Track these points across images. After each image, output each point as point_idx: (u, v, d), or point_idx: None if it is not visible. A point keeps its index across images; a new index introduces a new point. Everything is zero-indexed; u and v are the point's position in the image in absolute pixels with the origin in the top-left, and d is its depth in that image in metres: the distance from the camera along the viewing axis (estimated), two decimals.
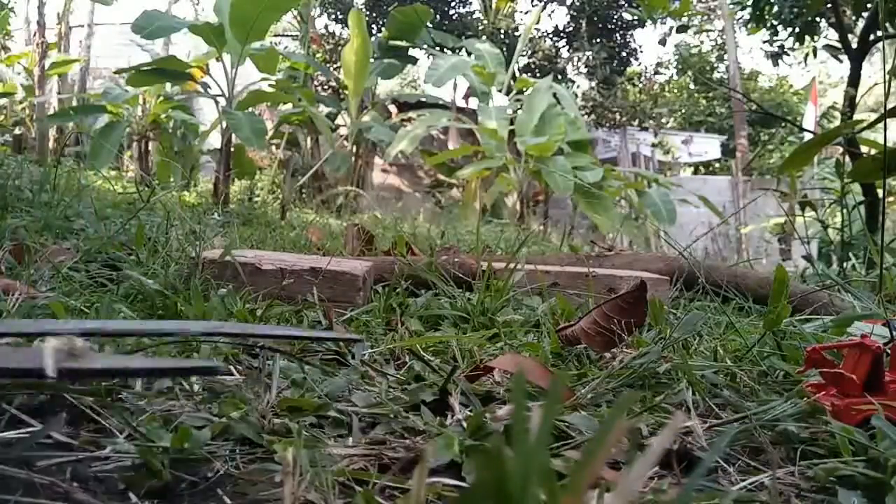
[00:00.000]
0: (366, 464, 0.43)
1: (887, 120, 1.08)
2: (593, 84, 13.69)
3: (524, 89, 8.10)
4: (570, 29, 14.43)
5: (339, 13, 12.43)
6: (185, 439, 0.42)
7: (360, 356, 0.70)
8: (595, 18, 14.10)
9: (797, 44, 5.89)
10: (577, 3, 14.14)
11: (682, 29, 13.28)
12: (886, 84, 1.06)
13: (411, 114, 8.81)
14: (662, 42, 16.56)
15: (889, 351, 0.51)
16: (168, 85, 6.42)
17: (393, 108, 9.69)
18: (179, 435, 0.42)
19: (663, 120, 13.88)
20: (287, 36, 11.14)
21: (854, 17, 3.54)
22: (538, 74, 11.63)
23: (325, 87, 10.24)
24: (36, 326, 0.56)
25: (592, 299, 1.06)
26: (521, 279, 1.13)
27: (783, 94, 15.69)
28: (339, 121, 8.86)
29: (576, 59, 14.09)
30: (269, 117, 7.66)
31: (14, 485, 0.38)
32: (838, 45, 3.44)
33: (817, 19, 5.34)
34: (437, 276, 1.18)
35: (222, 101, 5.43)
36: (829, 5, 3.20)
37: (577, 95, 11.88)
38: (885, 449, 0.42)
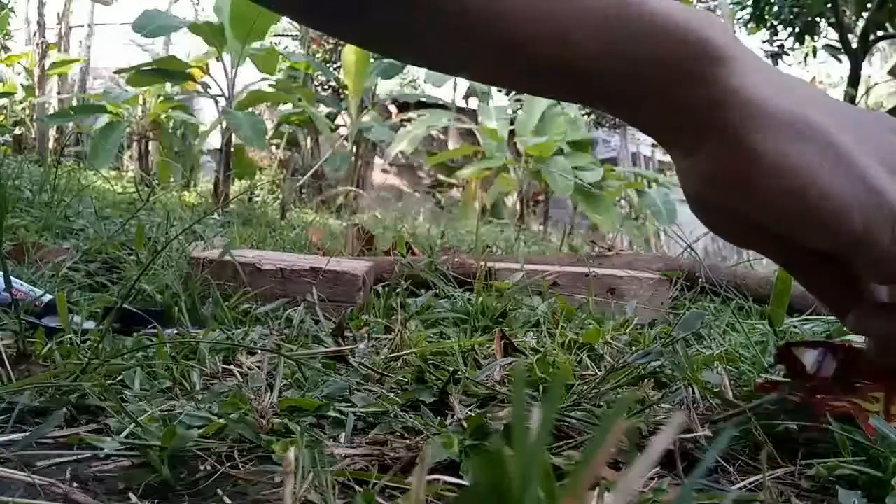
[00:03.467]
0: (366, 464, 0.43)
1: None
2: None
3: None
4: None
5: None
6: (173, 436, 0.42)
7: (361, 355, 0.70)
8: None
9: (797, 44, 5.89)
10: None
11: None
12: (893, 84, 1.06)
13: (411, 114, 8.81)
14: None
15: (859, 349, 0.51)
16: (168, 85, 6.42)
17: (393, 108, 9.70)
18: (167, 432, 0.42)
19: None
20: (287, 36, 11.14)
21: (854, 17, 3.54)
22: None
23: (325, 87, 10.24)
24: None
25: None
26: (520, 279, 1.13)
27: None
28: (339, 121, 8.86)
29: None
30: (269, 117, 7.66)
31: (13, 485, 0.38)
32: (838, 45, 3.44)
33: (817, 19, 5.34)
34: (437, 277, 1.18)
35: (222, 101, 5.43)
36: (829, 5, 3.20)
37: None
38: (885, 449, 0.42)
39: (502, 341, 0.72)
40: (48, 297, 0.83)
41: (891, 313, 0.42)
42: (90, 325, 0.77)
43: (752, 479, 0.42)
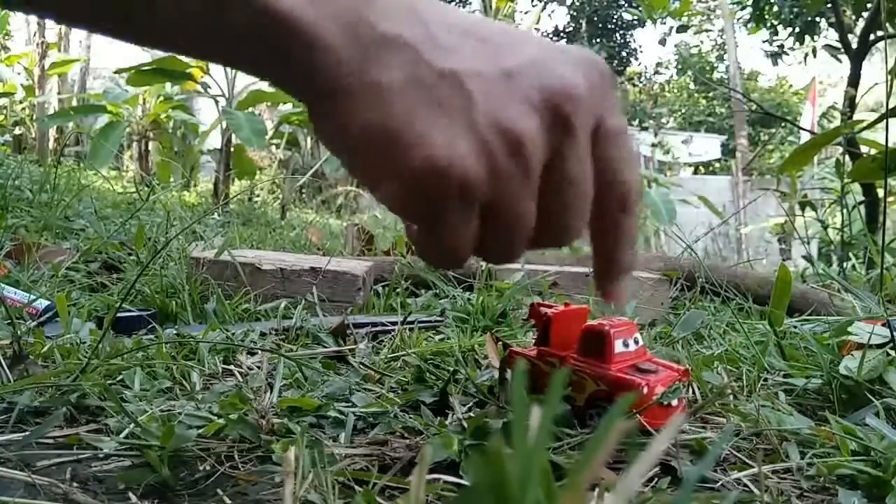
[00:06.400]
0: (366, 464, 0.43)
1: (888, 120, 1.08)
2: None
3: None
4: (570, 29, 14.43)
5: None
6: (173, 436, 0.42)
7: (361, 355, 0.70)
8: (595, 18, 14.10)
9: (797, 44, 5.89)
10: (577, 3, 14.14)
11: (682, 29, 13.30)
12: (888, 84, 1.06)
13: None
14: (662, 42, 16.54)
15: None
16: (168, 85, 6.42)
17: None
18: (167, 432, 0.42)
19: (663, 120, 13.88)
20: None
21: (854, 17, 3.54)
22: None
23: None
24: None
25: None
26: (520, 279, 1.13)
27: (783, 94, 15.68)
28: None
29: None
30: (269, 117, 7.65)
31: (13, 485, 0.38)
32: (838, 45, 3.44)
33: (817, 19, 5.34)
34: (437, 277, 1.18)
35: (222, 101, 5.43)
36: (829, 5, 3.21)
37: None
38: (885, 449, 0.42)
39: (498, 343, 0.72)
40: (45, 302, 0.83)
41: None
42: (90, 325, 0.77)
43: (748, 476, 0.42)
